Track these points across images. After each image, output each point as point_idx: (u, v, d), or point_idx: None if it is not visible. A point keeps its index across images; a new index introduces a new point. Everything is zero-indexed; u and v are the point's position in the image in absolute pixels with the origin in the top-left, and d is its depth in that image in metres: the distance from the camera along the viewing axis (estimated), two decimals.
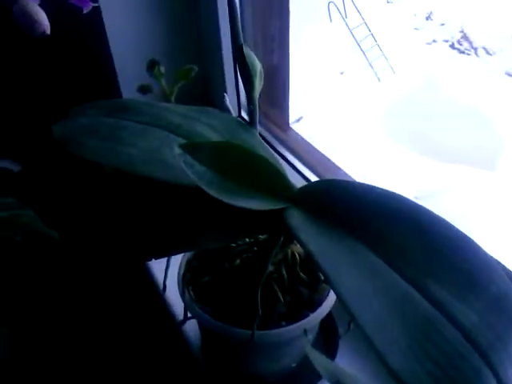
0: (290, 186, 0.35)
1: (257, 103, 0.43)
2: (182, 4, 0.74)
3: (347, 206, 0.33)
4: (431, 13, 3.25)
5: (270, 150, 0.41)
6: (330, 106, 2.29)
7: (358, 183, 0.35)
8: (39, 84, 0.70)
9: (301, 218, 0.33)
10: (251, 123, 0.43)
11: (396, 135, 2.19)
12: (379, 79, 2.77)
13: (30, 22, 0.33)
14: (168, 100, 0.44)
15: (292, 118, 0.85)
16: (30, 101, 0.70)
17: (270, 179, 0.34)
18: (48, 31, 0.34)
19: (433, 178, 1.87)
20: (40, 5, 0.34)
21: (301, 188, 0.36)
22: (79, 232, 0.56)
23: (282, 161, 0.74)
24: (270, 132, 0.80)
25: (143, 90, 0.45)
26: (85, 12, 0.35)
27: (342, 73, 2.73)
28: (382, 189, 0.33)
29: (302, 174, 0.72)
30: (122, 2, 0.70)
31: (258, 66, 0.42)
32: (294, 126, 0.83)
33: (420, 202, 0.32)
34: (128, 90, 0.73)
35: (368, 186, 0.34)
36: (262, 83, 0.43)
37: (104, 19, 0.67)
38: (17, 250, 0.68)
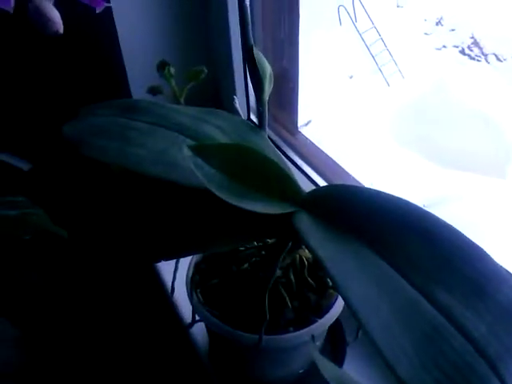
0: (299, 190, 0.35)
1: (266, 106, 0.42)
2: (193, 6, 0.75)
3: (356, 211, 0.33)
4: (441, 18, 3.24)
5: (279, 153, 0.41)
6: (338, 110, 2.28)
7: (367, 188, 0.35)
8: (50, 83, 0.70)
9: (309, 223, 0.32)
10: (260, 126, 0.43)
11: (405, 140, 2.18)
12: (388, 84, 2.76)
13: (44, 20, 0.33)
14: (178, 101, 0.44)
15: (301, 121, 0.85)
16: (41, 99, 0.71)
17: (279, 183, 0.34)
18: (61, 30, 0.34)
19: (442, 185, 1.85)
20: (54, 4, 0.34)
21: (309, 192, 0.36)
22: (88, 232, 0.56)
23: (290, 164, 0.73)
24: (279, 135, 0.80)
25: (153, 91, 0.45)
26: (98, 12, 0.35)
27: (351, 77, 2.72)
28: (390, 195, 0.33)
29: (310, 178, 0.72)
30: (133, 2, 0.70)
31: (267, 68, 0.41)
32: (303, 130, 0.82)
33: (430, 210, 0.31)
34: (138, 91, 0.74)
35: (376, 191, 0.33)
36: (272, 86, 0.43)
37: (115, 20, 0.67)
38: (26, 249, 0.68)
